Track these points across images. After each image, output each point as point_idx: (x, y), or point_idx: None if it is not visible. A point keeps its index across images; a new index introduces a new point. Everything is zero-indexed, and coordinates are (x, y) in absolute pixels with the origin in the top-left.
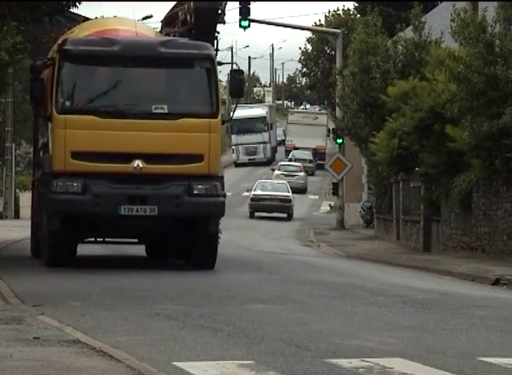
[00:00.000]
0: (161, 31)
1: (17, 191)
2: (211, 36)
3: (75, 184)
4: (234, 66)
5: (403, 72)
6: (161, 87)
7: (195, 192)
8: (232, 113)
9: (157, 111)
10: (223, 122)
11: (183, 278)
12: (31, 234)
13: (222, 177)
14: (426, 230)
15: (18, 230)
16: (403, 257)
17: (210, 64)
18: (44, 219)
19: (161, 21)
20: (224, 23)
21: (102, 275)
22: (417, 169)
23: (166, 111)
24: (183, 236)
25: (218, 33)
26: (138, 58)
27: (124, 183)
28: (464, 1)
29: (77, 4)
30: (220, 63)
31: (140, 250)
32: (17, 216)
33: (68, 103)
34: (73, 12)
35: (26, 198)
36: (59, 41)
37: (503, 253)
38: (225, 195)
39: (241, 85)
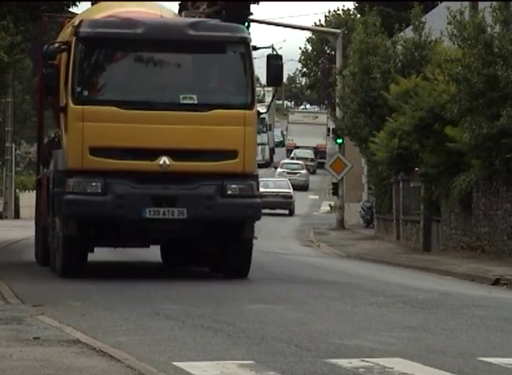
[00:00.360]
0: (179, 14)
1: (17, 191)
2: (244, 17)
3: (94, 184)
4: (272, 51)
5: (403, 72)
6: (190, 74)
7: (228, 193)
8: (269, 105)
9: (185, 101)
10: (259, 114)
11: (183, 278)
12: (36, 239)
13: (257, 176)
14: (426, 230)
15: (18, 230)
16: (403, 257)
17: (245, 48)
18: (58, 222)
19: (179, 3)
20: (258, 2)
21: (102, 275)
22: (416, 169)
23: (196, 101)
24: (211, 241)
25: (252, 14)
26: (164, 42)
27: (149, 182)
28: (464, 1)
29: (77, 4)
30: (255, 48)
31: (151, 253)
32: (17, 216)
33: (86, 92)
34: (73, 12)
35: (26, 198)
36: (75, 23)
37: (503, 253)
38: (260, 196)
39: (279, 72)
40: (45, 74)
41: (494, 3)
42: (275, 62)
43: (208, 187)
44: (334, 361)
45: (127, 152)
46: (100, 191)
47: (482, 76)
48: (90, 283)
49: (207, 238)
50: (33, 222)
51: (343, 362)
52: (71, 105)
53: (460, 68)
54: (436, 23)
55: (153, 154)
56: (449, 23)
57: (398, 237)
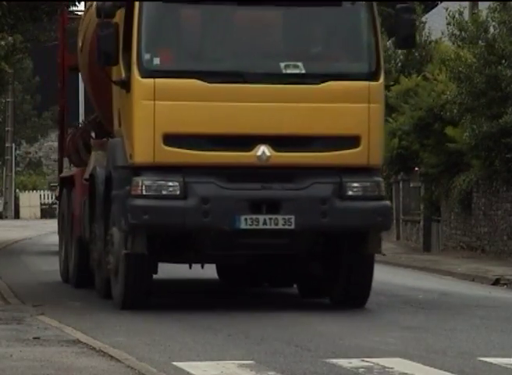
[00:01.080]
0: None
1: (17, 191)
2: None
3: (171, 184)
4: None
5: (403, 72)
6: (294, 34)
7: (349, 193)
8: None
9: (289, 71)
10: (387, 87)
11: (183, 278)
12: (63, 254)
13: (381, 170)
14: (426, 230)
15: (18, 230)
16: (403, 257)
17: None
18: (117, 236)
19: None
20: None
21: None
22: (416, 168)
23: (303, 71)
24: (316, 257)
25: None
26: None
27: (243, 180)
28: (464, 1)
29: (77, 3)
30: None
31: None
32: (17, 216)
33: (157, 61)
34: (73, 12)
35: (26, 198)
36: None
37: (503, 253)
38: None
39: (412, 30)
40: (100, 37)
41: (491, 4)
42: (406, 15)
43: (322, 187)
44: (334, 361)
45: (213, 141)
46: (178, 193)
47: (484, 75)
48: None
49: (312, 254)
50: (35, 223)
51: (343, 362)
52: (137, 77)
53: (462, 66)
54: (436, 23)
55: (248, 142)
56: (449, 24)
57: (398, 237)
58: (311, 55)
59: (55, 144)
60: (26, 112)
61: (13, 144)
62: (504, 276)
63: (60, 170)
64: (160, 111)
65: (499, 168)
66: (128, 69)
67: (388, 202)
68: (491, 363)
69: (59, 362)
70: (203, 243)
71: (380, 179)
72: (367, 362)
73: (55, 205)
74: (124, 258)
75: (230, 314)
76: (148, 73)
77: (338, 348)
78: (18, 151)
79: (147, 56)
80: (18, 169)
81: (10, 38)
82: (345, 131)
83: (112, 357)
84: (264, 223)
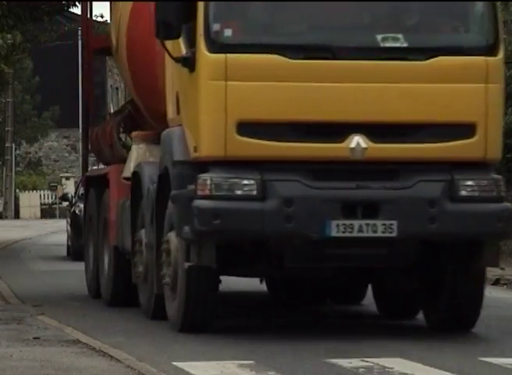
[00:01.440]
0: None
1: (17, 191)
2: None
3: (246, 182)
4: None
5: None
6: (394, 2)
7: (462, 194)
8: None
9: (387, 45)
10: (507, 63)
11: None
12: (91, 265)
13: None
14: None
15: (18, 230)
16: None
17: None
18: (174, 244)
19: None
20: None
21: None
22: None
23: (404, 44)
24: (413, 271)
25: None
26: None
27: (335, 178)
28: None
29: (77, 4)
30: None
31: None
32: (17, 216)
33: (228, 33)
34: (73, 12)
35: (26, 198)
36: None
37: (503, 253)
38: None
39: None
40: (160, 5)
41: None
42: None
43: (429, 186)
44: (334, 361)
45: (298, 129)
46: (256, 193)
47: None
48: None
49: (408, 266)
50: (35, 223)
51: (343, 362)
52: (205, 52)
53: None
54: None
55: (339, 132)
56: None
57: None
58: (414, 25)
59: (55, 144)
60: (26, 112)
61: (13, 144)
62: (504, 276)
63: (85, 168)
64: (233, 93)
65: (500, 168)
66: (190, 43)
67: (509, 205)
68: (491, 363)
69: (59, 362)
70: (283, 253)
71: (499, 176)
72: (367, 362)
73: (54, 205)
74: (186, 272)
75: (229, 311)
76: (218, 47)
77: (338, 348)
78: (18, 151)
79: (216, 27)
80: (18, 169)
81: (9, 36)
82: (457, 118)
83: (111, 357)
84: (360, 229)
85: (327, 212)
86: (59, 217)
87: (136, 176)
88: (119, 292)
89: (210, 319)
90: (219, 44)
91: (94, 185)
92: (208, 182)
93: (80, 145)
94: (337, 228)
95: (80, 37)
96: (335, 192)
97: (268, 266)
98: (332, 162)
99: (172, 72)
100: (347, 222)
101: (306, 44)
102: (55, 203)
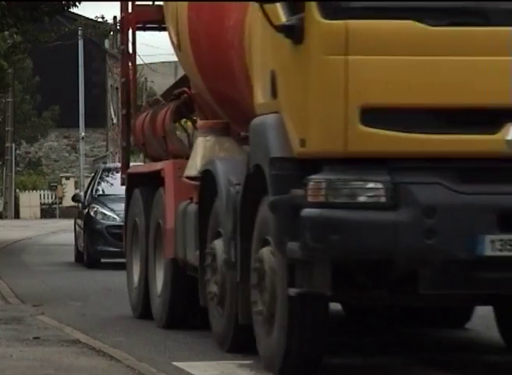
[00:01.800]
0: None
1: (17, 191)
2: None
3: (372, 185)
4: None
5: None
6: None
7: None
8: None
9: None
10: None
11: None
12: (142, 282)
13: None
14: None
15: (18, 230)
16: None
17: None
18: (270, 263)
19: None
20: None
21: (102, 275)
22: None
23: None
24: None
25: None
26: None
27: (487, 180)
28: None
29: (77, 4)
30: None
31: None
32: (17, 216)
33: None
34: (73, 12)
35: (26, 198)
36: None
37: None
38: None
39: None
40: None
41: None
42: None
43: None
44: (334, 361)
45: (438, 118)
46: (385, 199)
47: None
48: (90, 284)
49: None
50: (35, 223)
51: (343, 362)
52: (318, 18)
53: None
54: None
55: (491, 120)
56: None
57: None
58: None
59: (55, 144)
60: (26, 112)
61: (13, 144)
62: None
63: (125, 164)
64: (356, 71)
65: None
66: (294, 10)
67: None
68: (490, 363)
69: (59, 362)
70: (418, 277)
71: None
72: (367, 362)
73: (54, 205)
74: (289, 299)
75: None
76: (336, 11)
77: (338, 348)
78: (18, 151)
79: None
80: (18, 169)
81: (7, 33)
82: None
83: (111, 357)
84: None
85: (479, 225)
86: (59, 217)
87: (207, 176)
88: (178, 314)
89: (318, 358)
90: (337, 8)
91: (141, 184)
92: (323, 185)
93: (79, 145)
94: (492, 245)
95: (83, 33)
96: (489, 198)
97: (393, 293)
98: (484, 159)
99: (264, 46)
100: (505, 237)
101: (449, 8)
102: (55, 203)
